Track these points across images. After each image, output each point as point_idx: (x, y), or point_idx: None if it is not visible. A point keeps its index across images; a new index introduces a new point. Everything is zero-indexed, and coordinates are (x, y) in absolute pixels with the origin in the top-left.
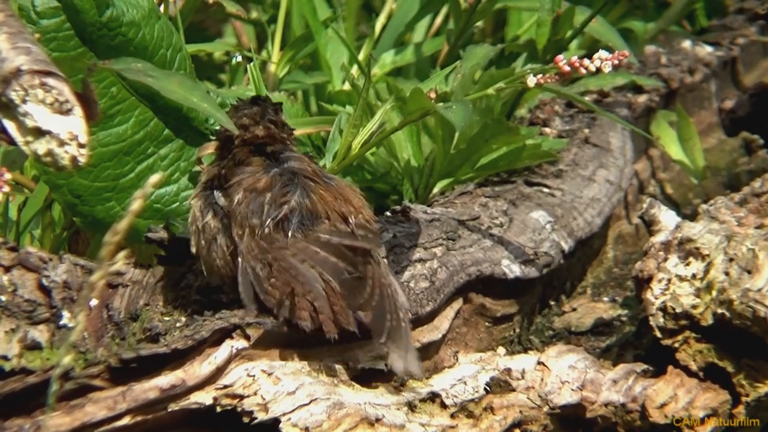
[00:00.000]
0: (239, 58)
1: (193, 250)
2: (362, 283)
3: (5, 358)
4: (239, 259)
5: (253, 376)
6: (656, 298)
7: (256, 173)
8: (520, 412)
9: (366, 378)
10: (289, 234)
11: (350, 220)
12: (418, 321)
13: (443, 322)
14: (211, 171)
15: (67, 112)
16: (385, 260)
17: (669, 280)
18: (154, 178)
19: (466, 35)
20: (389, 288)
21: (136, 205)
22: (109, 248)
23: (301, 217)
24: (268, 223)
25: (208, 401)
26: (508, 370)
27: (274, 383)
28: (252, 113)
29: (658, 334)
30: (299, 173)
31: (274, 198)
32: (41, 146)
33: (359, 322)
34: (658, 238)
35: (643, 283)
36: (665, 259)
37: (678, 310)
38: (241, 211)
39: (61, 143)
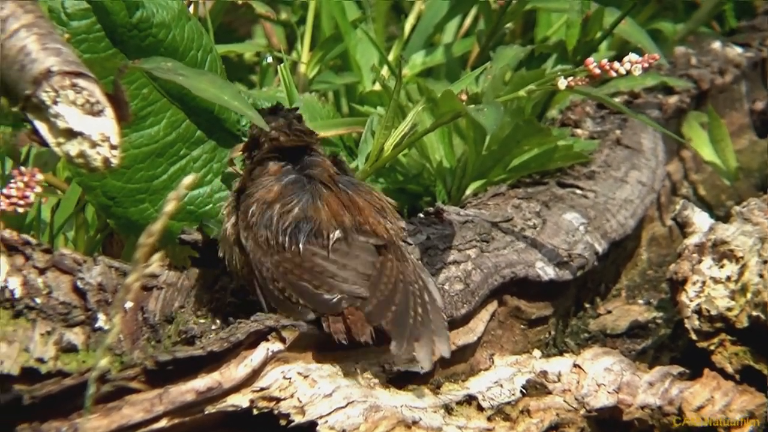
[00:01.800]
0: (270, 59)
1: (220, 254)
2: (375, 281)
3: (41, 360)
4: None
5: (290, 378)
6: (691, 301)
7: (269, 183)
8: (557, 414)
9: (402, 380)
10: (300, 245)
11: (331, 236)
12: (453, 324)
13: (478, 325)
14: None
15: (99, 113)
16: (414, 258)
17: (703, 283)
18: (188, 179)
19: (496, 36)
20: (412, 285)
21: (170, 206)
22: (144, 250)
23: (307, 227)
24: (276, 234)
25: (245, 404)
26: (544, 373)
27: (311, 386)
28: (279, 125)
29: (694, 337)
30: (315, 178)
31: (281, 208)
32: (73, 148)
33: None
34: (692, 240)
35: (678, 285)
36: (699, 261)
37: (713, 313)
38: (254, 223)
39: (93, 145)
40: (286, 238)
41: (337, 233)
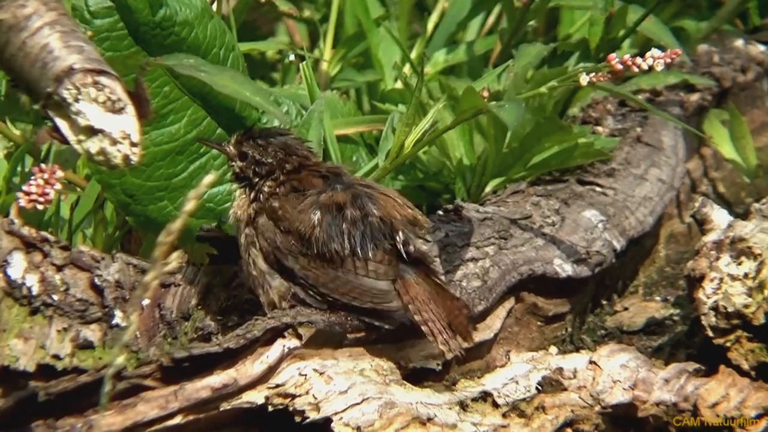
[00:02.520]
0: (292, 57)
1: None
2: None
3: (58, 357)
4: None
5: (305, 375)
6: (708, 298)
7: (324, 191)
8: (572, 411)
9: (417, 377)
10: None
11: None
12: (471, 320)
13: (495, 322)
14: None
15: (120, 110)
16: None
17: (721, 280)
18: (209, 178)
19: (519, 34)
20: None
21: (190, 205)
22: (163, 248)
23: (377, 229)
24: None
25: (260, 400)
26: (560, 370)
27: (326, 382)
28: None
29: (710, 334)
30: (353, 185)
31: (354, 215)
32: (94, 145)
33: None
34: (710, 237)
35: (695, 282)
36: (717, 259)
37: (730, 310)
38: (319, 237)
39: (114, 142)
40: (362, 245)
41: (401, 235)
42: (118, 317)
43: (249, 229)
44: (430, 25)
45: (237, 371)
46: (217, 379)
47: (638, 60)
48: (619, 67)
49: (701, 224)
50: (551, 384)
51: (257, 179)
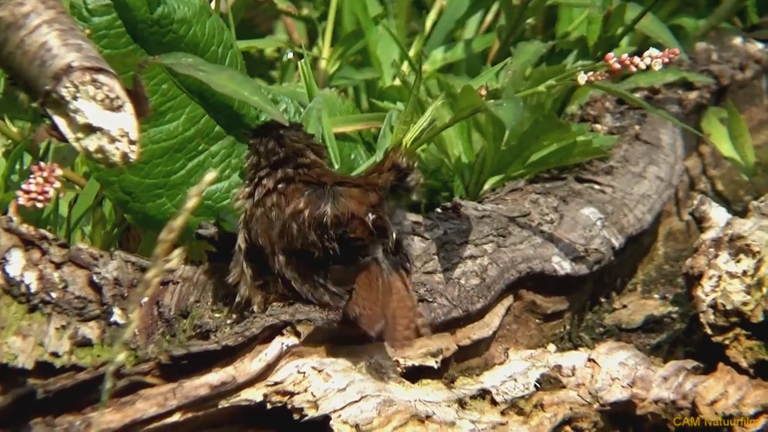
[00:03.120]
0: (290, 55)
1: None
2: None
3: (56, 354)
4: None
5: (304, 372)
6: (707, 295)
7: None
8: (570, 408)
9: (416, 375)
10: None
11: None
12: (469, 318)
13: (494, 319)
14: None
15: (118, 108)
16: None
17: (719, 277)
18: (209, 175)
19: (517, 32)
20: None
21: (191, 203)
22: (164, 246)
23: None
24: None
25: (259, 398)
26: (559, 367)
27: (325, 380)
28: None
29: (709, 331)
30: (327, 184)
31: (311, 215)
32: (92, 143)
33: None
34: (709, 235)
35: (694, 280)
36: (716, 256)
37: (728, 307)
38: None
39: (112, 140)
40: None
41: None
42: (117, 315)
43: (242, 234)
44: (429, 23)
45: (235, 369)
46: (216, 376)
47: (636, 59)
48: (617, 66)
49: (700, 222)
50: (550, 382)
51: (261, 173)
